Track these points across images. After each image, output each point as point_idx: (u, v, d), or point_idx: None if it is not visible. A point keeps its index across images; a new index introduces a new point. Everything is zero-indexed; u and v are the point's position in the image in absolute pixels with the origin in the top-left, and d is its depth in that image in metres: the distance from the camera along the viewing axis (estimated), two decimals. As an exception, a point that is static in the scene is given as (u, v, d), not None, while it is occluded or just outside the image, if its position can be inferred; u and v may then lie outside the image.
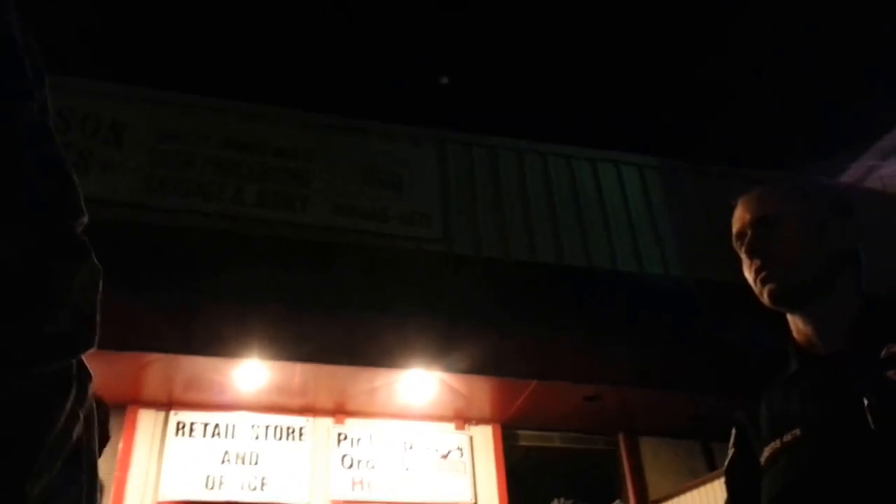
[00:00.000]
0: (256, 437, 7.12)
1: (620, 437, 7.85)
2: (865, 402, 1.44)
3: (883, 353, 1.49)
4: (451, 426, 7.51)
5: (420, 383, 6.93)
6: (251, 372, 6.70)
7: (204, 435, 7.06)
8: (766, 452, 1.62)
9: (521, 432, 7.73)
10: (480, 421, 7.55)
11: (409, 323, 6.38)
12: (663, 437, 7.85)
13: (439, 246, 6.44)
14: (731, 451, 1.81)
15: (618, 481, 7.73)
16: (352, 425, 7.36)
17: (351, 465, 7.15)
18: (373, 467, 7.18)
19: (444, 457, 7.32)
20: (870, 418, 1.42)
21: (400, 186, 6.53)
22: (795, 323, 1.70)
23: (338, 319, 6.29)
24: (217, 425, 7.12)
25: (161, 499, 6.72)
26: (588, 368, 6.93)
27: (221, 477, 6.89)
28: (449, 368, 6.63)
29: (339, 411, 7.37)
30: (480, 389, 7.11)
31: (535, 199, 6.81)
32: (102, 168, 6.00)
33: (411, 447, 7.32)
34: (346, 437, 7.28)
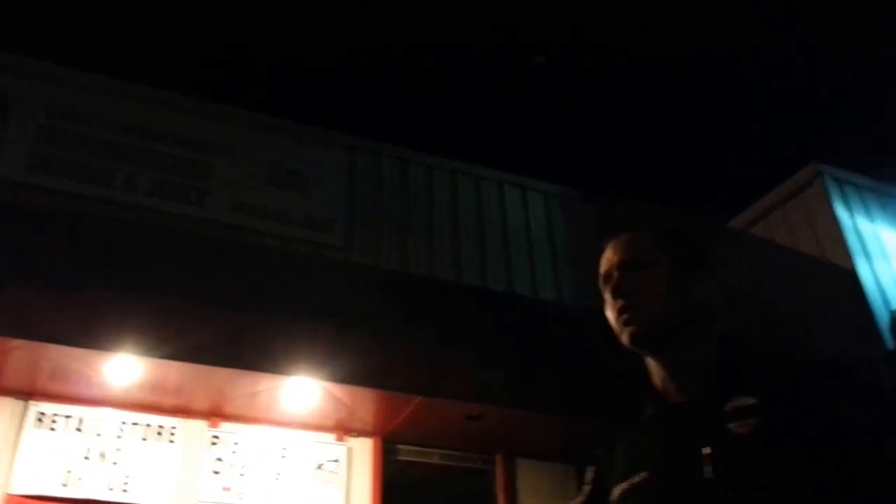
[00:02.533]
0: (123, 436, 6.76)
1: (498, 458, 7.88)
2: (705, 451, 1.53)
3: (728, 405, 1.58)
4: (331, 437, 7.35)
5: (303, 391, 6.75)
6: (124, 367, 6.35)
7: (66, 429, 6.64)
8: (617, 492, 1.70)
9: (401, 447, 7.64)
10: (362, 433, 7.43)
11: (297, 329, 6.21)
12: (539, 459, 7.94)
13: (339, 254, 6.29)
14: (586, 488, 1.88)
15: (492, 501, 7.76)
16: (227, 429, 7.09)
17: (222, 471, 6.89)
18: (244, 474, 6.93)
19: (320, 467, 7.16)
20: (707, 468, 1.51)
21: (304, 189, 6.34)
22: (652, 365, 1.77)
23: (223, 319, 6.05)
24: (81, 419, 6.70)
25: (13, 492, 6.28)
26: (474, 388, 6.94)
27: (81, 474, 6.50)
28: (334, 378, 6.49)
29: (215, 414, 7.08)
30: (365, 401, 6.99)
31: (440, 216, 6.77)
32: (-18, 142, 5.57)
33: (286, 456, 7.12)
34: (219, 442, 7.00)
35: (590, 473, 1.90)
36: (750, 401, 1.57)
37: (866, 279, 8.73)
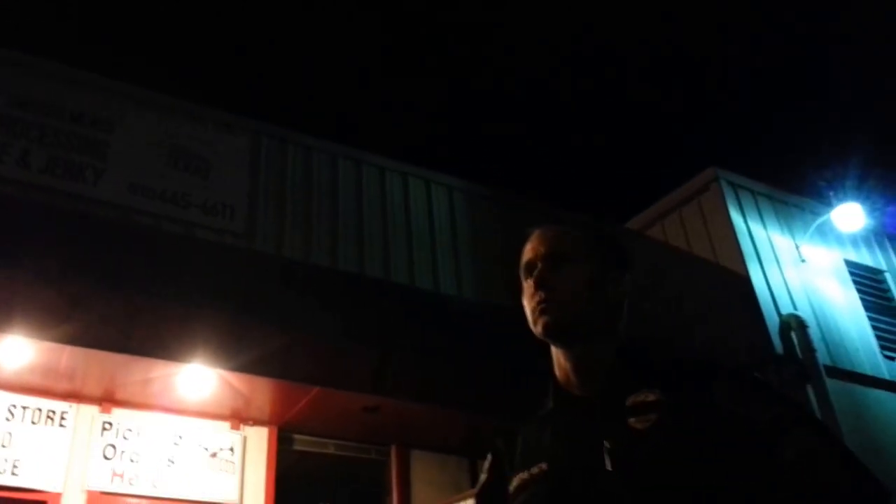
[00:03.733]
0: (13, 419, 6.57)
1: (393, 449, 7.93)
2: (605, 445, 1.58)
3: (628, 401, 1.63)
4: (226, 425, 7.28)
5: (199, 378, 6.67)
6: (13, 349, 6.18)
7: (-49, 412, 6.44)
8: (516, 482, 1.72)
9: (297, 437, 7.63)
10: (258, 422, 7.38)
11: (195, 316, 6.09)
12: (434, 451, 8.01)
13: (240, 241, 6.22)
14: (484, 476, 1.90)
15: (385, 492, 7.80)
16: (119, 415, 6.96)
17: (113, 457, 6.76)
18: (136, 461, 6.82)
19: (214, 455, 7.09)
20: (607, 461, 1.56)
21: (206, 173, 6.24)
22: (558, 358, 1.80)
23: (118, 304, 5.92)
24: (-31, 402, 6.51)
25: None
26: (372, 379, 6.93)
27: (-31, 457, 6.31)
28: (231, 366, 6.40)
29: (108, 400, 6.94)
30: (261, 391, 6.94)
31: (344, 206, 6.74)
32: None
33: (180, 443, 7.03)
34: (111, 427, 6.87)
35: (487, 462, 1.91)
36: (650, 397, 1.61)
37: (758, 283, 8.97)
